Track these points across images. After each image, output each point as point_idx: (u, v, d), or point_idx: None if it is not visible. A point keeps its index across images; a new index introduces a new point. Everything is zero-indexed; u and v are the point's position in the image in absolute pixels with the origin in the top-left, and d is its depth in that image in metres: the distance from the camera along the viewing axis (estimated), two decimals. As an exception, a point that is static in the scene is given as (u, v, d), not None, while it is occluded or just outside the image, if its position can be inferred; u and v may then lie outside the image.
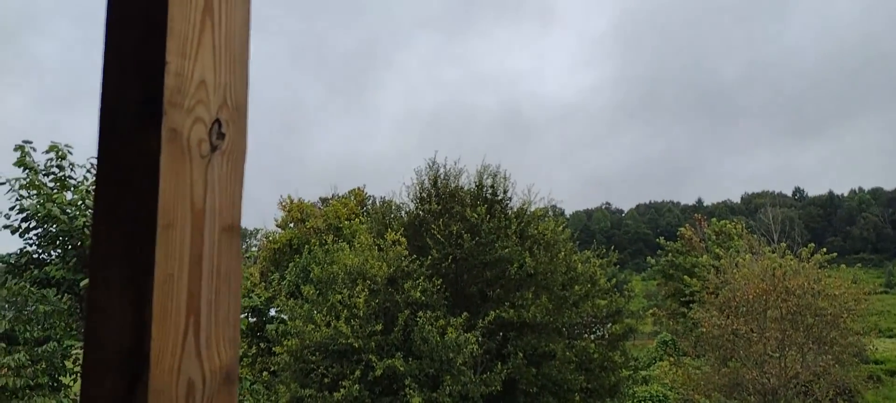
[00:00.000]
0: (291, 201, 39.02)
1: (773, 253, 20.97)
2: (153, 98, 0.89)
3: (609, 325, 16.71)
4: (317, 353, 14.21)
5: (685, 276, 30.07)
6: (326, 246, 18.58)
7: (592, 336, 16.80)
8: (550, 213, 18.62)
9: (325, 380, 13.82)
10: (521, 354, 14.27)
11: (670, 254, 35.20)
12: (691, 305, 25.01)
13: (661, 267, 36.02)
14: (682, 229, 36.49)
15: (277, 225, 36.45)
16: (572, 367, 14.61)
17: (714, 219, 38.43)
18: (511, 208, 17.33)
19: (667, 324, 31.86)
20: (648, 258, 42.40)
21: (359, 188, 47.02)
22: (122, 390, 0.85)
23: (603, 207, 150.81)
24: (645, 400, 22.83)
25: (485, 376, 13.79)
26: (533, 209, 17.31)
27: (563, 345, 14.83)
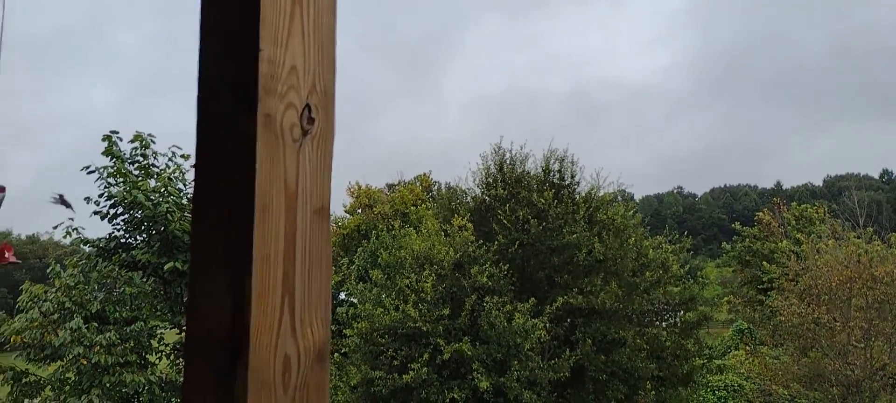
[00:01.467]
0: (359, 187, 39.71)
1: (859, 238, 19.89)
2: (248, 85, 0.92)
3: (682, 313, 16.29)
4: (386, 336, 14.48)
5: (763, 262, 28.94)
6: (394, 232, 18.86)
7: (664, 324, 16.42)
8: (619, 198, 18.27)
9: (395, 363, 14.07)
10: (589, 341, 14.11)
11: (747, 240, 33.94)
12: (769, 292, 24.13)
13: (737, 253, 34.77)
14: (759, 213, 35.08)
15: (346, 211, 37.20)
16: (643, 355, 14.35)
17: (794, 203, 36.78)
18: (579, 193, 17.09)
19: (743, 312, 30.79)
20: (723, 244, 40.97)
21: (424, 174, 47.36)
22: (223, 366, 0.89)
23: (675, 191, 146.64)
24: (719, 390, 22.18)
25: (553, 362, 13.72)
26: (601, 194, 17.02)
27: (633, 333, 14.58)
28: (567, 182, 17.21)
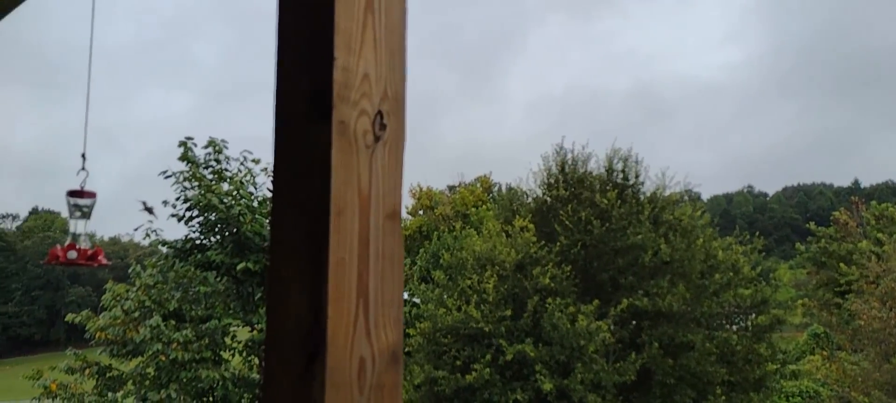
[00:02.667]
0: (421, 189, 40.04)
1: (948, 239, 18.71)
2: (323, 93, 0.95)
3: (753, 316, 15.69)
4: (448, 336, 14.55)
5: (840, 264, 27.61)
6: (455, 233, 18.96)
7: (735, 328, 15.85)
8: (686, 198, 17.77)
9: (457, 363, 14.12)
10: (656, 344, 13.78)
11: (822, 241, 32.44)
12: (847, 295, 23.08)
13: (812, 254, 33.30)
14: (836, 213, 33.46)
15: (408, 213, 37.62)
16: (713, 359, 13.89)
17: (873, 202, 34.90)
18: (643, 193, 16.71)
19: (818, 316, 29.47)
20: (797, 245, 39.27)
21: (485, 175, 47.32)
22: (301, 366, 0.91)
23: (745, 190, 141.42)
24: (794, 396, 21.28)
25: (618, 365, 13.46)
26: (667, 193, 16.59)
27: (702, 336, 14.13)
28: (631, 182, 16.85)
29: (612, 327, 13.83)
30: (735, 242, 16.36)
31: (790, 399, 21.23)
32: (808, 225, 34.88)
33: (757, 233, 17.93)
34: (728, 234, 17.37)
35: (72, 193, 2.64)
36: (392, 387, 0.97)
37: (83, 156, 2.63)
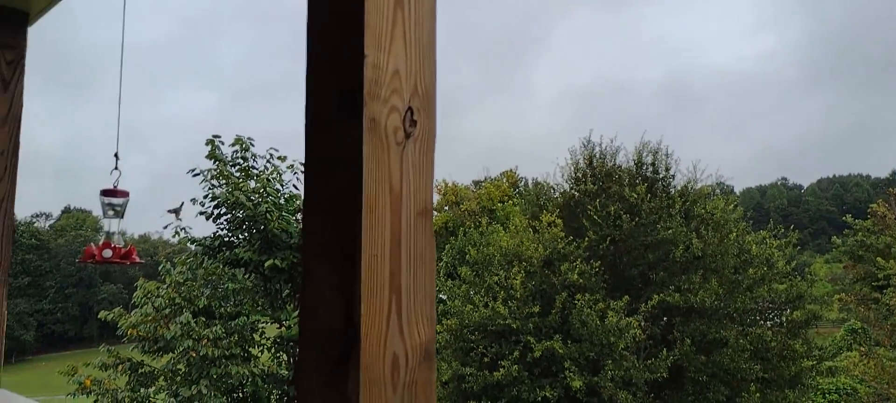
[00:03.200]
0: (446, 184, 40.06)
1: None
2: (353, 90, 0.95)
3: (788, 311, 15.39)
4: (476, 333, 14.53)
5: (878, 258, 26.93)
6: (481, 229, 18.91)
7: (769, 323, 15.56)
8: (718, 192, 17.49)
9: (485, 360, 14.10)
10: (688, 340, 13.60)
11: (859, 234, 31.64)
12: (885, 290, 22.49)
13: (849, 247, 32.50)
14: (873, 205, 32.59)
15: (433, 208, 37.67)
16: (747, 356, 13.66)
17: (913, 194, 33.94)
18: (674, 186, 16.50)
19: (856, 311, 28.75)
20: (833, 238, 38.40)
21: (511, 170, 47.15)
22: (335, 364, 0.91)
23: (779, 182, 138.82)
24: (830, 393, 20.84)
25: (649, 362, 13.32)
26: (699, 187, 16.35)
27: (735, 332, 13.91)
28: (661, 175, 16.64)
29: (642, 323, 13.69)
30: (769, 236, 16.06)
31: (827, 396, 20.79)
32: (844, 218, 34.07)
33: (791, 227, 17.57)
34: (762, 228, 17.05)
35: (105, 192, 2.69)
36: (425, 385, 0.96)
37: (116, 155, 2.68)
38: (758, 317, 15.38)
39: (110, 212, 2.74)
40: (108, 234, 2.80)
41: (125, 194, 2.71)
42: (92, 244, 2.82)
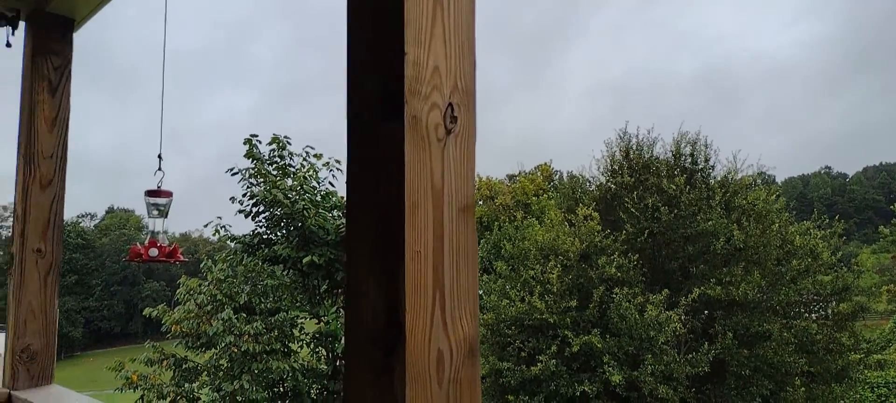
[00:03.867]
0: (480, 179, 40.03)
1: None
2: (394, 88, 0.95)
3: (834, 303, 14.97)
4: (513, 327, 14.49)
5: (929, 248, 26.03)
6: (516, 223, 18.83)
7: (814, 316, 15.17)
8: (759, 182, 17.10)
9: (522, 354, 14.05)
10: (730, 334, 13.34)
11: (908, 223, 30.65)
12: (938, 281, 21.71)
13: (897, 237, 31.51)
14: (923, 194, 31.57)
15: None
16: (791, 349, 13.34)
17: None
18: (714, 177, 16.18)
19: (905, 303, 27.90)
20: (881, 227, 37.23)
21: (545, 163, 46.84)
22: (380, 359, 0.92)
23: (822, 171, 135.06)
24: (879, 387, 20.22)
25: (690, 356, 13.11)
26: (739, 177, 16.01)
27: (779, 325, 13.59)
28: (700, 166, 16.34)
29: (683, 317, 13.47)
30: (813, 226, 15.65)
31: (875, 390, 20.19)
32: (892, 207, 33.01)
33: (836, 217, 17.08)
34: (805, 218, 16.61)
35: (150, 193, 2.76)
36: (470, 381, 0.96)
37: (159, 157, 2.74)
38: (802, 310, 15.00)
39: (155, 212, 2.81)
40: (153, 233, 2.88)
41: (169, 194, 2.78)
42: (138, 243, 2.89)
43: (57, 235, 2.53)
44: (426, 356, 0.91)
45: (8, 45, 2.62)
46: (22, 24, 2.63)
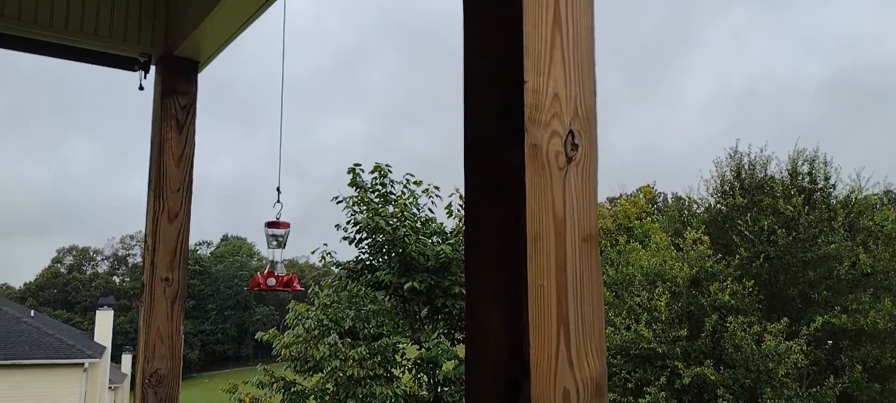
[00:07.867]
0: (580, 203, 39.31)
1: None
2: (514, 116, 0.93)
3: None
4: (617, 357, 14.01)
5: None
6: (618, 247, 18.28)
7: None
8: (885, 201, 15.79)
9: (629, 385, 13.55)
10: (859, 366, 12.30)
11: None
12: None
13: None
14: None
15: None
16: (931, 384, 12.13)
17: None
18: (835, 197, 15.08)
19: None
20: None
21: (648, 185, 45.34)
22: (502, 395, 0.89)
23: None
24: None
25: (814, 390, 12.18)
26: (864, 196, 14.84)
27: (916, 358, 12.40)
28: (820, 185, 15.28)
29: (804, 348, 12.54)
30: (954, 248, 14.21)
31: None
32: None
33: (982, 239, 15.43)
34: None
35: (269, 224, 2.90)
36: (598, 422, 0.91)
37: (278, 189, 2.87)
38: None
39: (274, 243, 2.94)
40: (272, 263, 3.00)
41: (286, 225, 2.90)
42: (258, 274, 3.03)
43: (183, 264, 2.68)
44: (552, 395, 0.87)
45: (141, 87, 2.84)
46: (152, 68, 2.85)
